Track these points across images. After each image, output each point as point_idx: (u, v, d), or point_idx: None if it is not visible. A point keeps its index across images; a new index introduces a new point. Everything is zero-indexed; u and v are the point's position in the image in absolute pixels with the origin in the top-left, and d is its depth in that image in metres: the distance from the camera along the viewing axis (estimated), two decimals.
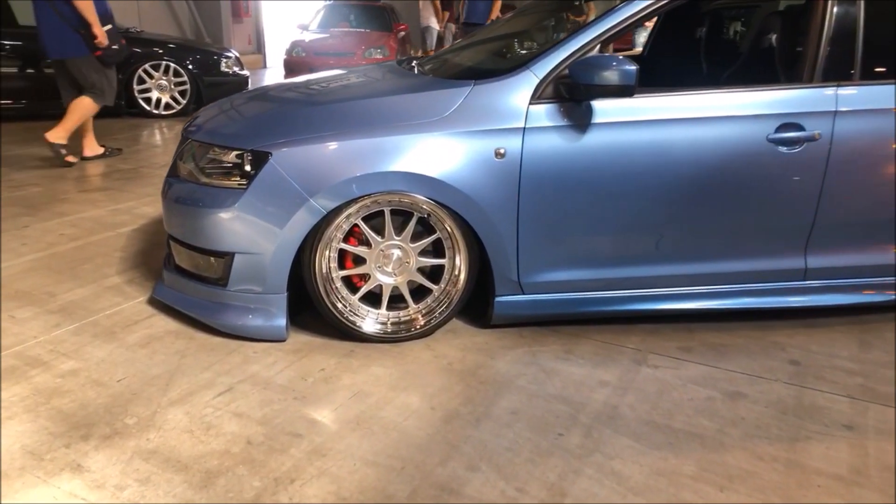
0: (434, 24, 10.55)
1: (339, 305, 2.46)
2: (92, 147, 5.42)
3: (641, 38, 8.91)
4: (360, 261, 2.47)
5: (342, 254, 2.46)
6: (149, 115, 7.40)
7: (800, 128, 2.38)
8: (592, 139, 2.32)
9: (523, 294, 2.51)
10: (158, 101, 7.41)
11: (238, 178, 2.38)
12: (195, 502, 1.70)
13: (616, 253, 2.49)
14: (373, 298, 2.53)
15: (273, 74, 12.82)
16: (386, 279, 2.49)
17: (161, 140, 6.41)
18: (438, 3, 10.40)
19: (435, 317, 2.52)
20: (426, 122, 2.33)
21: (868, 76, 2.43)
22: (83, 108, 5.08)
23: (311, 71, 5.94)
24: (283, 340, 2.49)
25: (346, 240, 2.44)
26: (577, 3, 4.93)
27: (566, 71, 2.31)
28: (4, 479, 1.77)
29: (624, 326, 2.66)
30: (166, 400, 2.13)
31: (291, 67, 9.48)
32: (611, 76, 2.19)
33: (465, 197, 2.32)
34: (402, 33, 11.13)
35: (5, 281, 3.00)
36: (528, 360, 2.42)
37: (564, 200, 2.37)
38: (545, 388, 2.24)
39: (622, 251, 2.49)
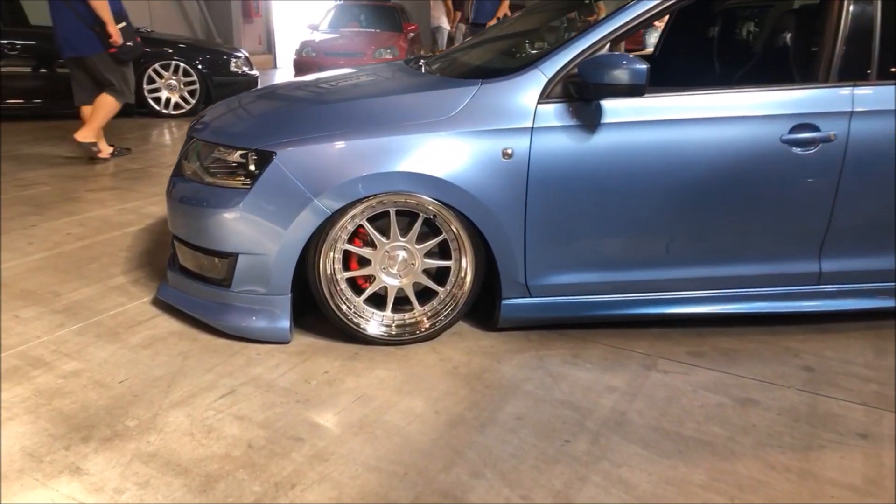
0: (445, 24, 10.52)
1: (344, 307, 2.43)
2: (101, 147, 5.41)
3: (652, 38, 8.86)
4: (364, 262, 2.44)
5: (347, 255, 2.43)
6: (158, 114, 7.42)
7: (815, 128, 2.33)
8: (602, 139, 2.28)
9: (530, 297, 2.47)
10: (168, 100, 7.43)
11: (242, 178, 2.36)
12: None
13: (625, 255, 2.45)
14: (378, 300, 2.50)
15: (283, 75, 12.83)
16: (391, 281, 2.46)
17: (170, 140, 6.41)
18: (450, 3, 10.38)
19: (440, 319, 2.48)
20: (432, 122, 2.29)
21: (885, 76, 2.37)
22: (106, 106, 5.17)
23: (321, 71, 5.93)
24: (287, 342, 2.47)
25: (350, 241, 2.41)
26: (586, 2, 4.89)
27: (575, 70, 2.27)
28: (3, 480, 1.75)
29: (633, 331, 2.61)
30: (168, 402, 2.10)
31: (301, 67, 9.49)
32: (621, 75, 2.14)
33: (471, 198, 2.28)
34: (412, 34, 11.11)
35: (11, 280, 2.99)
36: (534, 364, 2.38)
37: (573, 202, 2.33)
38: (552, 393, 2.20)
39: (631, 254, 2.44)
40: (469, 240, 2.38)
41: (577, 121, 2.28)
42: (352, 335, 2.47)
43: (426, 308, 2.50)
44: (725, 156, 2.32)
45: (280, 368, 2.32)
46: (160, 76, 7.33)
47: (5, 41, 6.58)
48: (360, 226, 2.38)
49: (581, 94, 2.27)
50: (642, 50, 7.52)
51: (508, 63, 2.64)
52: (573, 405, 2.14)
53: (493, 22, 7.50)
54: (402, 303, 2.51)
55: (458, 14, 10.58)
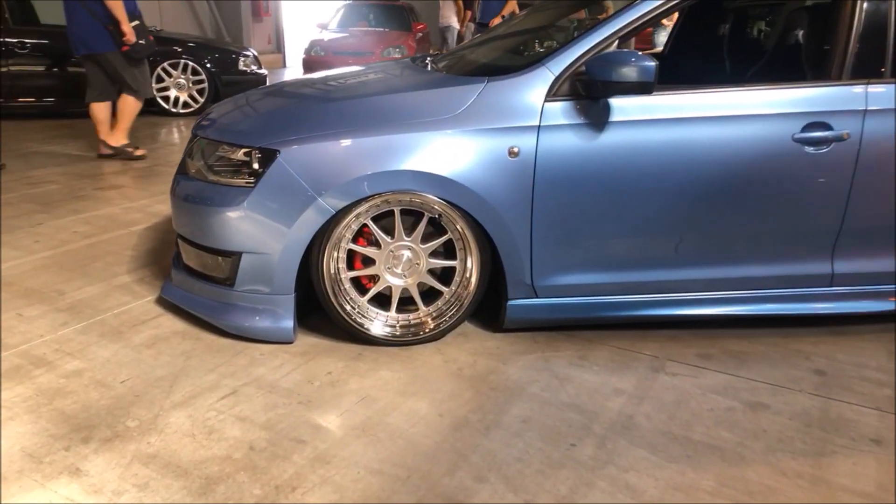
0: (455, 24, 10.48)
1: (347, 307, 2.41)
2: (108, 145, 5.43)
3: (661, 37, 8.78)
4: (369, 262, 2.41)
5: (351, 254, 2.41)
6: (167, 113, 7.43)
7: (827, 127, 2.28)
8: (610, 138, 2.24)
9: (537, 298, 2.43)
10: (177, 99, 7.44)
11: (246, 177, 2.33)
12: None
13: (633, 256, 2.41)
14: (382, 300, 2.47)
15: (293, 74, 12.83)
16: (395, 281, 2.43)
17: (178, 138, 6.41)
18: (461, 2, 10.33)
19: (445, 320, 2.45)
20: (438, 120, 2.26)
21: None
22: (128, 106, 5.29)
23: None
24: (291, 342, 2.44)
25: (355, 240, 2.38)
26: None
27: (583, 67, 2.23)
28: (2, 482, 1.73)
29: (641, 332, 2.57)
30: (169, 402, 2.09)
31: (310, 67, 9.49)
32: (629, 72, 2.11)
33: (477, 197, 2.25)
34: (421, 33, 11.09)
35: (17, 278, 2.99)
36: (540, 366, 2.34)
37: (580, 201, 2.30)
38: (558, 395, 2.17)
39: (640, 254, 2.40)
40: (474, 239, 2.35)
41: (585, 119, 2.24)
42: (355, 335, 2.44)
43: (431, 308, 2.47)
44: (736, 155, 2.28)
45: (283, 369, 2.29)
46: (169, 75, 7.34)
47: (15, 40, 6.60)
48: (365, 225, 2.35)
49: (589, 92, 2.24)
50: (651, 49, 7.45)
51: (515, 61, 2.60)
52: (579, 408, 2.10)
53: (498, 20, 7.44)
54: (406, 303, 2.48)
55: (469, 13, 10.54)
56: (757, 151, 2.28)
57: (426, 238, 2.39)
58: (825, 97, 2.31)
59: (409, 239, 2.38)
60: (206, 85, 7.46)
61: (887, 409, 2.12)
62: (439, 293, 2.46)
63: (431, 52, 11.20)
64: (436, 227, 2.39)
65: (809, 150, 2.29)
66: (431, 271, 2.44)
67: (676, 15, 4.71)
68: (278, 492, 1.72)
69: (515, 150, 2.24)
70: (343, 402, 2.12)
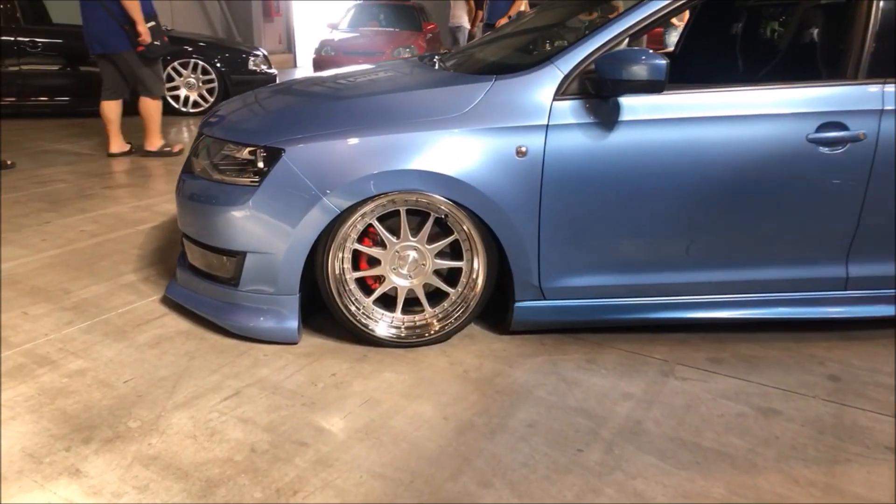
0: (466, 24, 10.44)
1: (352, 308, 2.38)
2: (118, 144, 5.45)
3: (672, 38, 8.70)
4: (374, 262, 2.38)
5: (356, 254, 2.38)
6: (177, 112, 7.44)
7: (843, 127, 2.23)
8: (619, 137, 2.21)
9: (544, 299, 2.40)
10: (186, 98, 7.45)
11: (251, 175, 2.31)
12: None
13: (643, 258, 2.36)
14: (387, 301, 2.45)
15: (303, 74, 12.83)
16: (401, 282, 2.40)
17: (188, 138, 6.41)
18: (472, 2, 10.29)
19: (451, 322, 2.42)
20: (445, 119, 2.23)
21: None
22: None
23: None
24: (295, 343, 2.42)
25: (360, 240, 2.35)
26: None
27: (592, 66, 2.19)
28: (2, 482, 1.71)
29: (650, 335, 2.53)
30: (172, 403, 2.07)
31: (320, 66, 9.49)
32: (639, 71, 2.07)
33: (484, 197, 2.22)
34: (431, 33, 11.06)
35: (23, 277, 2.98)
36: (548, 369, 2.31)
37: (589, 202, 2.26)
38: (565, 399, 2.13)
39: (650, 256, 2.36)
40: (481, 240, 2.32)
41: (594, 118, 2.20)
42: (360, 336, 2.41)
43: (437, 310, 2.44)
44: (749, 155, 2.24)
45: (287, 370, 2.27)
46: (179, 74, 7.35)
47: (27, 39, 6.63)
48: (370, 225, 2.32)
49: (598, 91, 2.20)
50: (663, 49, 7.39)
51: (523, 59, 2.57)
52: (587, 412, 2.06)
53: (504, 21, 7.40)
54: (412, 304, 2.45)
55: (480, 13, 10.49)
56: (770, 152, 2.24)
57: (432, 238, 2.36)
58: (840, 97, 2.26)
59: (414, 239, 2.35)
60: (216, 84, 7.47)
61: None
62: (445, 294, 2.43)
63: (442, 51, 11.15)
64: (442, 228, 2.36)
65: (824, 150, 2.24)
66: (437, 272, 2.41)
67: (687, 15, 4.66)
68: (279, 495, 1.69)
69: (523, 149, 2.20)
70: (347, 404, 2.09)
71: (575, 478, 1.78)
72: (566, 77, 2.22)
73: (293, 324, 2.37)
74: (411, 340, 2.41)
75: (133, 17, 4.91)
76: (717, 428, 2.00)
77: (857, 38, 2.30)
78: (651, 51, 2.14)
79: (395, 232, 2.34)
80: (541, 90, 2.22)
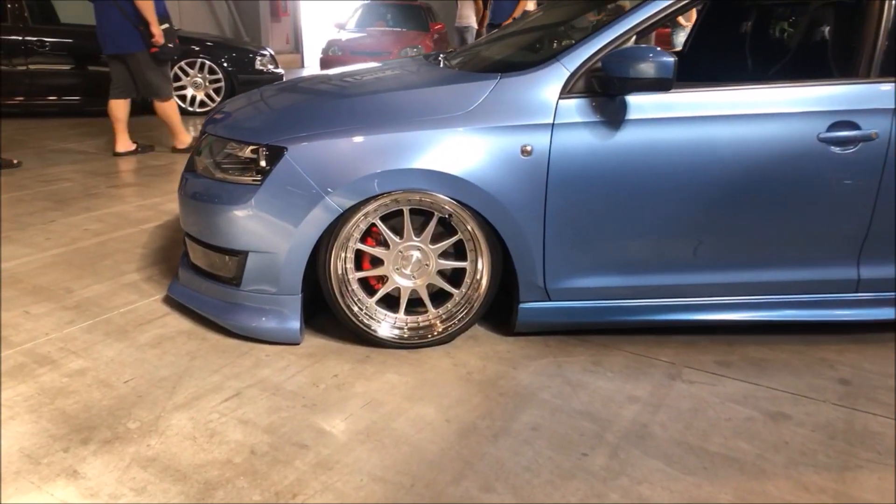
0: (474, 24, 10.40)
1: (355, 308, 2.35)
2: (124, 143, 5.45)
3: (680, 38, 8.66)
4: (377, 262, 2.36)
5: (359, 254, 2.36)
6: (183, 112, 7.41)
7: (855, 126, 2.19)
8: (626, 136, 2.17)
9: (549, 301, 2.36)
10: (193, 98, 7.44)
11: (253, 174, 2.29)
12: None
13: (650, 259, 2.33)
14: (391, 302, 2.42)
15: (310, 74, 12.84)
16: (404, 282, 2.37)
17: (194, 137, 6.41)
18: (480, 2, 10.26)
19: (454, 323, 2.39)
20: (449, 118, 2.20)
21: None
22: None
23: None
24: (297, 343, 2.39)
25: (363, 240, 2.33)
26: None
27: (599, 63, 2.16)
28: (1, 482, 1.70)
29: (657, 337, 2.49)
30: (171, 404, 2.04)
31: (328, 66, 9.47)
32: (647, 69, 2.03)
33: (488, 197, 2.19)
34: (438, 34, 11.03)
35: (25, 276, 2.97)
36: (552, 371, 2.27)
37: (595, 202, 2.22)
38: (570, 402, 2.10)
39: (657, 257, 2.33)
40: (485, 240, 2.29)
41: (601, 117, 2.17)
42: (362, 337, 2.39)
43: (440, 311, 2.41)
44: (758, 154, 2.20)
45: (288, 371, 2.24)
46: (186, 74, 7.35)
47: (34, 38, 6.64)
48: (373, 224, 2.30)
49: (605, 89, 2.16)
50: (670, 49, 7.34)
51: (529, 58, 2.54)
52: (592, 416, 2.03)
53: (509, 22, 7.35)
54: (415, 305, 2.42)
55: (488, 14, 10.46)
56: (780, 151, 2.20)
57: (436, 238, 2.33)
58: (852, 95, 2.22)
59: (418, 239, 2.32)
60: (222, 84, 7.47)
61: None
62: (449, 295, 2.40)
63: (447, 50, 11.11)
64: (446, 228, 2.33)
65: (835, 150, 2.20)
66: (441, 272, 2.38)
67: (694, 15, 4.62)
68: (278, 498, 1.67)
69: (528, 148, 2.17)
70: (348, 405, 2.06)
71: (579, 482, 1.74)
72: (572, 75, 2.18)
73: (295, 324, 2.35)
74: (414, 341, 2.38)
75: (147, 19, 4.96)
76: (725, 432, 1.96)
77: (870, 36, 2.26)
78: (659, 48, 2.10)
79: (398, 232, 2.32)
80: (546, 88, 2.19)
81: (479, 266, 2.35)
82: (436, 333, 2.39)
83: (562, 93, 2.18)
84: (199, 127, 6.78)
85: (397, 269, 2.36)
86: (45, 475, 1.73)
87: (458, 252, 2.37)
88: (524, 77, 2.23)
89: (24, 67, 6.70)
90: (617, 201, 2.22)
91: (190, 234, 2.53)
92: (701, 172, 2.21)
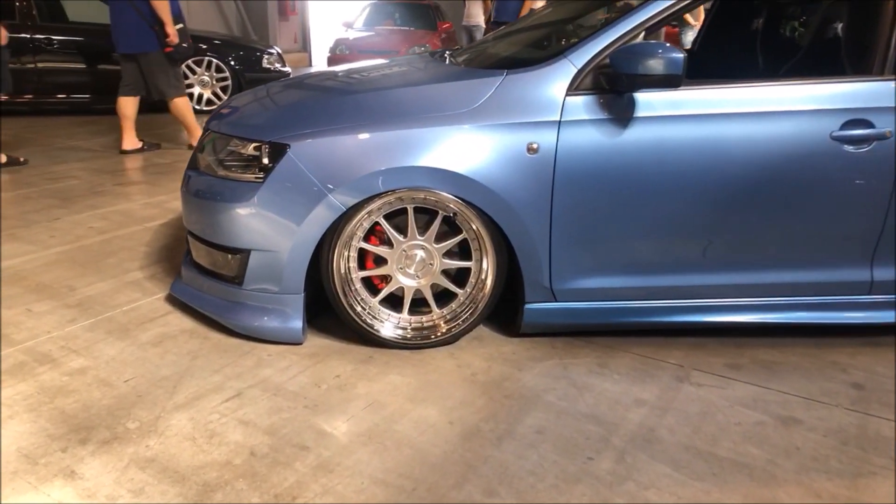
0: (482, 23, 10.36)
1: (358, 308, 2.32)
2: (131, 141, 5.44)
3: (688, 38, 8.59)
4: (381, 261, 2.33)
5: (362, 253, 2.33)
6: None
7: (868, 125, 2.14)
8: (634, 134, 2.13)
9: (555, 301, 2.32)
10: (200, 96, 7.44)
11: (255, 172, 2.26)
12: None
13: (658, 259, 2.29)
14: (394, 301, 2.39)
15: None
16: (408, 281, 2.34)
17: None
18: (489, 1, 10.21)
19: (459, 324, 2.35)
20: (454, 115, 2.17)
21: None
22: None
23: None
24: (300, 343, 2.37)
25: (366, 238, 2.30)
26: None
27: (607, 60, 2.12)
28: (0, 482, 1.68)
29: (665, 339, 2.45)
30: (172, 404, 2.02)
31: (335, 65, 9.44)
32: (655, 65, 1.99)
33: (494, 195, 2.15)
34: (446, 33, 11.00)
35: (29, 273, 2.96)
36: (558, 373, 2.23)
37: (602, 200, 2.18)
38: (576, 405, 2.06)
39: (665, 257, 2.28)
40: (490, 239, 2.25)
41: (608, 114, 2.13)
42: (365, 337, 2.35)
43: (444, 311, 2.38)
44: (769, 153, 2.15)
45: (290, 371, 2.22)
46: (193, 72, 7.34)
47: (42, 36, 6.65)
48: (377, 223, 2.26)
49: (613, 86, 2.12)
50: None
51: (536, 54, 2.50)
52: (598, 419, 1.99)
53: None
54: (419, 304, 2.39)
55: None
56: (792, 150, 2.15)
57: (440, 237, 2.30)
58: (866, 93, 2.17)
59: (422, 238, 2.29)
60: (229, 82, 7.46)
61: None
62: (453, 295, 2.37)
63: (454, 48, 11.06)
64: (450, 226, 2.30)
65: (849, 148, 2.15)
66: (445, 272, 2.35)
67: (702, 15, 4.56)
68: (277, 501, 1.64)
69: (535, 146, 2.14)
70: (350, 407, 2.03)
71: (584, 487, 1.71)
72: (580, 72, 2.15)
73: (297, 324, 2.32)
74: (417, 342, 2.35)
75: (162, 19, 4.99)
76: (735, 437, 1.92)
77: (884, 33, 2.21)
78: (668, 44, 2.06)
79: (402, 230, 2.29)
80: (553, 85, 2.15)
81: (484, 266, 2.31)
82: (440, 334, 2.35)
83: (569, 89, 2.15)
84: None
85: (401, 268, 2.32)
86: (42, 475, 1.70)
87: (463, 251, 2.33)
88: (531, 73, 2.19)
89: (33, 65, 6.71)
90: (625, 200, 2.18)
91: (192, 232, 2.51)
92: (710, 171, 2.16)
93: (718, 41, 3.56)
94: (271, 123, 2.35)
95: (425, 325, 2.37)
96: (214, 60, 7.37)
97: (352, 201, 2.17)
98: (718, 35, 3.60)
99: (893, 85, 2.16)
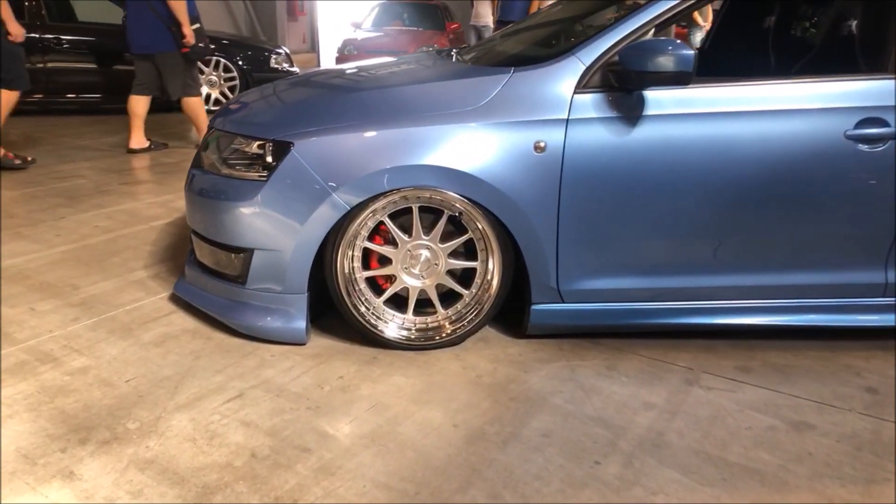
0: (491, 23, 10.33)
1: (362, 308, 2.29)
2: (139, 140, 5.44)
3: (697, 38, 8.54)
4: (385, 261, 2.30)
5: (366, 253, 2.30)
6: None
7: (884, 123, 2.09)
8: (644, 133, 2.09)
9: (563, 302, 2.29)
10: (208, 96, 7.43)
11: (259, 170, 2.24)
12: None
13: (668, 260, 2.24)
14: (399, 302, 2.36)
15: None
16: (413, 282, 2.31)
17: None
18: (497, 1, 10.18)
19: (464, 325, 2.32)
20: (460, 112, 2.14)
21: None
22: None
23: None
24: (303, 344, 2.34)
25: (371, 238, 2.27)
26: None
27: (615, 57, 2.08)
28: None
29: (674, 342, 2.41)
30: (173, 404, 2.00)
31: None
32: (665, 62, 1.96)
33: (500, 194, 2.12)
34: (454, 33, 10.98)
35: (33, 272, 2.95)
36: (565, 375, 2.20)
37: (611, 200, 2.15)
38: (583, 408, 2.02)
39: (675, 258, 2.24)
40: (497, 239, 2.22)
41: (617, 112, 2.09)
42: (369, 338, 2.32)
43: (449, 311, 2.34)
44: (782, 152, 2.11)
45: (293, 371, 2.19)
46: (201, 72, 7.33)
47: (51, 36, 6.66)
48: (381, 222, 2.23)
49: (622, 84, 2.09)
50: None
51: (543, 52, 2.46)
52: (606, 422, 1.95)
53: None
54: (424, 305, 2.36)
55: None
56: (805, 149, 2.11)
57: (445, 237, 2.27)
58: (881, 91, 2.12)
59: (427, 238, 2.26)
60: (237, 82, 7.46)
61: None
62: (459, 296, 2.34)
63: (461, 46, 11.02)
64: (456, 226, 2.26)
65: (863, 148, 2.10)
66: (451, 272, 2.32)
67: (711, 16, 4.50)
68: (278, 503, 1.61)
69: (542, 144, 2.10)
70: (353, 408, 2.00)
71: (591, 492, 1.67)
72: (588, 69, 2.11)
73: (301, 324, 2.29)
74: (422, 343, 2.32)
75: (179, 19, 5.01)
76: (746, 442, 1.87)
77: None
78: (678, 41, 2.02)
79: (406, 230, 2.26)
80: (561, 83, 2.12)
81: (490, 266, 2.28)
82: (445, 335, 2.32)
83: (577, 87, 2.11)
84: None
85: (406, 268, 2.29)
86: (40, 476, 1.68)
87: (469, 251, 2.30)
88: (538, 71, 2.16)
89: (42, 65, 6.72)
90: (633, 200, 2.14)
91: (196, 231, 2.48)
92: (721, 171, 2.12)
93: (730, 40, 3.51)
94: (275, 121, 2.32)
95: (430, 325, 2.34)
96: (222, 60, 7.36)
97: (356, 200, 2.14)
98: (730, 33, 3.55)
99: None
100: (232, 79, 7.45)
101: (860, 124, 2.09)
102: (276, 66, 7.73)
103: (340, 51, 9.87)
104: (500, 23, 8.03)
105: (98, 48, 6.90)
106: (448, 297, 2.36)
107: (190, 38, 5.11)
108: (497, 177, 2.11)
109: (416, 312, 2.35)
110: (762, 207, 2.17)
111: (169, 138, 5.89)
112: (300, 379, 2.15)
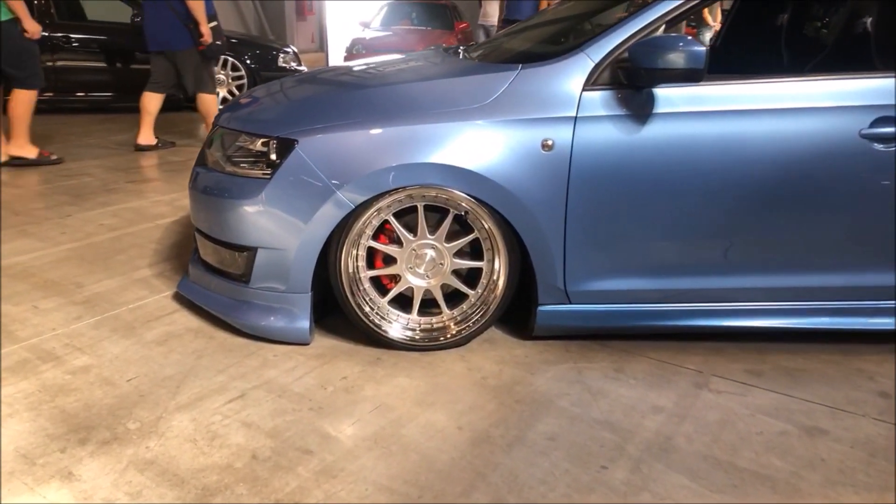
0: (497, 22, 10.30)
1: (366, 308, 2.26)
2: (147, 137, 5.44)
3: (706, 38, 8.48)
4: (390, 260, 2.27)
5: (371, 252, 2.27)
6: None
7: None
8: (654, 131, 2.05)
9: (570, 303, 2.25)
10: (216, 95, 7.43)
11: (263, 168, 2.21)
12: None
13: (677, 261, 2.20)
14: (404, 302, 2.33)
15: None
16: (418, 282, 2.28)
17: None
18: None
19: (469, 325, 2.29)
20: (467, 110, 2.11)
21: None
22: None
23: None
24: (307, 344, 2.31)
25: (375, 237, 2.24)
26: None
27: (625, 54, 2.05)
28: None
29: (683, 344, 2.36)
30: (174, 404, 1.97)
31: None
32: (676, 59, 1.92)
33: (507, 193, 2.08)
34: (463, 33, 10.94)
35: (37, 270, 2.93)
36: (572, 377, 2.16)
37: (619, 199, 2.11)
38: (590, 411, 1.98)
39: (684, 259, 2.20)
40: (503, 239, 2.18)
41: (627, 110, 2.06)
42: (373, 337, 2.30)
43: (455, 312, 2.31)
44: (794, 151, 2.06)
45: (296, 372, 2.16)
46: None
47: (60, 34, 6.68)
48: (386, 221, 2.21)
49: (631, 81, 2.05)
50: None
51: (551, 49, 2.42)
52: (613, 426, 1.91)
53: None
54: (429, 305, 2.33)
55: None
56: (818, 148, 2.06)
57: (451, 236, 2.23)
58: None
59: (432, 237, 2.22)
60: (245, 81, 7.45)
61: None
62: (464, 296, 2.30)
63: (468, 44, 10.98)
64: (462, 225, 2.23)
65: (879, 147, 2.06)
66: (456, 272, 2.29)
67: (720, 15, 4.44)
68: None
69: (549, 142, 2.07)
70: (356, 410, 1.97)
71: (598, 497, 1.63)
72: (597, 66, 2.07)
73: (304, 323, 2.27)
74: (427, 344, 2.29)
75: (197, 18, 5.04)
76: (756, 447, 1.83)
77: None
78: (689, 37, 1.98)
79: (412, 229, 2.22)
80: (569, 80, 2.08)
81: (496, 266, 2.25)
82: (450, 336, 2.29)
83: (586, 84, 2.07)
84: None
85: (411, 267, 2.26)
86: (39, 476, 1.66)
87: (475, 251, 2.27)
88: (546, 68, 2.12)
89: (51, 63, 6.73)
90: (642, 199, 2.10)
91: (200, 230, 2.46)
92: (732, 170, 2.08)
93: (741, 37, 3.46)
94: (280, 119, 2.30)
95: (435, 326, 2.31)
96: (230, 59, 7.35)
97: (361, 199, 2.11)
98: (741, 30, 3.49)
99: None
100: (240, 77, 7.44)
101: (876, 123, 2.05)
102: (283, 65, 7.71)
103: (349, 50, 9.85)
104: (505, 21, 7.98)
105: (107, 47, 6.91)
106: (453, 298, 2.33)
107: (207, 37, 5.13)
108: (504, 175, 2.08)
109: (421, 313, 2.32)
110: (774, 207, 2.12)
111: (177, 137, 5.88)
112: (303, 379, 2.12)
